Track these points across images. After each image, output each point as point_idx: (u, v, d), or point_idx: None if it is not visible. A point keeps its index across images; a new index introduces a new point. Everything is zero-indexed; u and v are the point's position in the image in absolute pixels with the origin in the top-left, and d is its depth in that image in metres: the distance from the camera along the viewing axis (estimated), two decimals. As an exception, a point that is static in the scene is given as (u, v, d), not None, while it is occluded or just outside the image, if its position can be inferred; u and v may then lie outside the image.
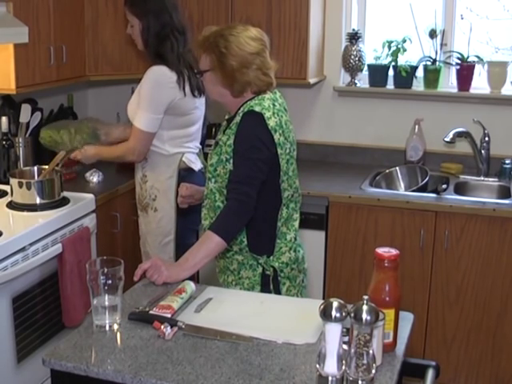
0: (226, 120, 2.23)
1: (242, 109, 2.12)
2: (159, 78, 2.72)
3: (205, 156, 3.06)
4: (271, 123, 2.08)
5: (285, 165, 2.14)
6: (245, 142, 2.08)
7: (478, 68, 3.48)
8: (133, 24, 2.86)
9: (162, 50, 2.77)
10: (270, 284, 2.18)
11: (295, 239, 2.24)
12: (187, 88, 2.77)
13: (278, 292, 2.20)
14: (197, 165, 2.94)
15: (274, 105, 2.12)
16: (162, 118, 2.75)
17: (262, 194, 2.10)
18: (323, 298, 2.99)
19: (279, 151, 2.10)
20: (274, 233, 2.19)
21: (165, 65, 2.74)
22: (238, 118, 2.11)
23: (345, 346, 1.47)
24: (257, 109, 2.08)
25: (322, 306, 1.45)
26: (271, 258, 2.18)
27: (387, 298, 1.61)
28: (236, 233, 2.12)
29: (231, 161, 2.11)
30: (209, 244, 2.06)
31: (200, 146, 3.04)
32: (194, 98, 2.82)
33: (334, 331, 1.43)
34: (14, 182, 2.70)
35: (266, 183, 2.11)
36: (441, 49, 3.49)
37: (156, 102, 2.72)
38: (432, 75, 3.50)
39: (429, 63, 3.51)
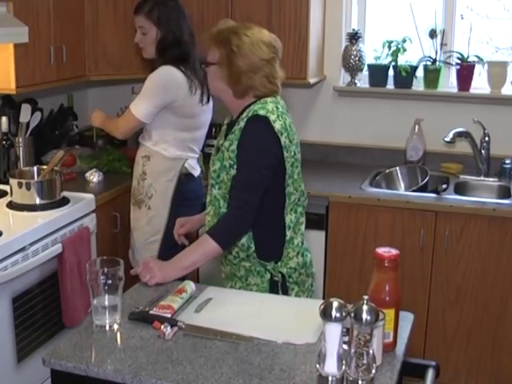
0: (226, 124, 2.21)
1: (245, 114, 2.07)
2: (167, 77, 2.77)
3: (204, 156, 3.07)
4: (277, 126, 2.04)
5: (290, 168, 2.09)
6: (250, 149, 2.04)
7: (478, 68, 3.47)
8: (146, 32, 2.84)
9: (176, 57, 2.79)
10: (278, 290, 2.15)
11: (302, 243, 2.20)
12: (198, 93, 2.80)
13: None
14: (197, 171, 2.97)
15: (277, 107, 2.08)
16: (160, 115, 2.79)
17: (268, 200, 2.07)
18: (323, 298, 2.98)
19: (285, 154, 2.06)
20: (283, 238, 2.15)
21: (176, 67, 2.77)
22: (242, 124, 2.06)
23: (345, 346, 1.47)
24: (261, 112, 2.03)
25: (322, 306, 1.45)
26: (279, 263, 2.14)
27: (387, 298, 1.61)
28: (234, 240, 2.09)
29: (235, 166, 2.06)
30: (205, 247, 2.04)
31: (200, 152, 3.05)
32: (200, 102, 2.84)
33: (333, 331, 1.43)
34: (13, 182, 2.70)
35: (272, 188, 2.08)
36: (441, 49, 3.49)
37: (156, 96, 2.77)
38: (432, 75, 3.50)
39: (429, 63, 3.51)
